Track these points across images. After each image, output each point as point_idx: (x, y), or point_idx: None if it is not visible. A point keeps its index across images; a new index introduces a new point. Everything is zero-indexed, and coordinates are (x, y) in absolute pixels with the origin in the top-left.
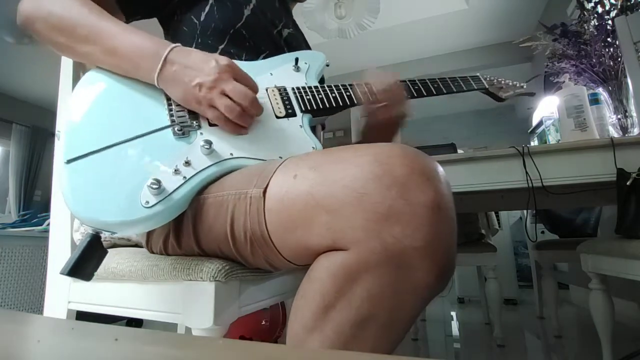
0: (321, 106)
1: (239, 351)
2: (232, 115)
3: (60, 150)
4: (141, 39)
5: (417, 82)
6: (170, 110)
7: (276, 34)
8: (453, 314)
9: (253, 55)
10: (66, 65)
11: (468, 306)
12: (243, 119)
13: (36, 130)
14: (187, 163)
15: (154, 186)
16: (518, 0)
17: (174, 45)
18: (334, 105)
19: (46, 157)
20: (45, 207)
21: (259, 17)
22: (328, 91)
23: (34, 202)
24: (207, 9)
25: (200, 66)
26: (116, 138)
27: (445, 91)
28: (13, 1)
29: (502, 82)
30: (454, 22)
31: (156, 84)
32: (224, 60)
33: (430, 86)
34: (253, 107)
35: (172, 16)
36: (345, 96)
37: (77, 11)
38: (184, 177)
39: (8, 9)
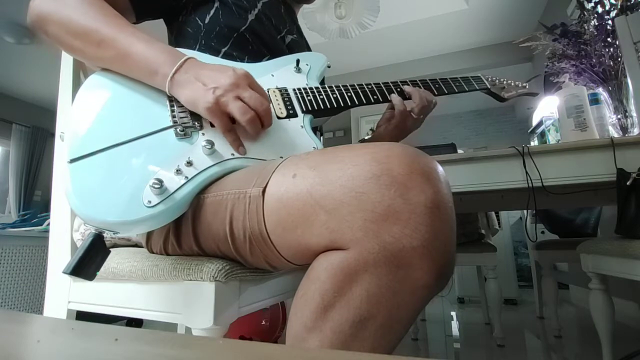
0: (322, 107)
1: (239, 351)
2: (244, 118)
3: (64, 149)
4: (156, 49)
5: (418, 82)
6: (173, 111)
7: (279, 40)
8: (453, 314)
9: (255, 59)
10: (66, 65)
11: (468, 306)
12: (254, 125)
13: (36, 130)
14: (189, 163)
15: (156, 186)
16: (518, 0)
17: (189, 56)
18: (335, 105)
19: (46, 157)
20: (45, 207)
21: (264, 22)
22: (329, 92)
23: (34, 202)
24: (212, 12)
25: (216, 73)
26: (119, 138)
27: (446, 91)
28: (13, 1)
29: (505, 82)
30: (454, 22)
31: (167, 90)
32: (241, 70)
33: (432, 86)
34: (266, 116)
35: (177, 17)
36: (347, 97)
37: (96, 18)
38: (186, 177)
39: (8, 9)
